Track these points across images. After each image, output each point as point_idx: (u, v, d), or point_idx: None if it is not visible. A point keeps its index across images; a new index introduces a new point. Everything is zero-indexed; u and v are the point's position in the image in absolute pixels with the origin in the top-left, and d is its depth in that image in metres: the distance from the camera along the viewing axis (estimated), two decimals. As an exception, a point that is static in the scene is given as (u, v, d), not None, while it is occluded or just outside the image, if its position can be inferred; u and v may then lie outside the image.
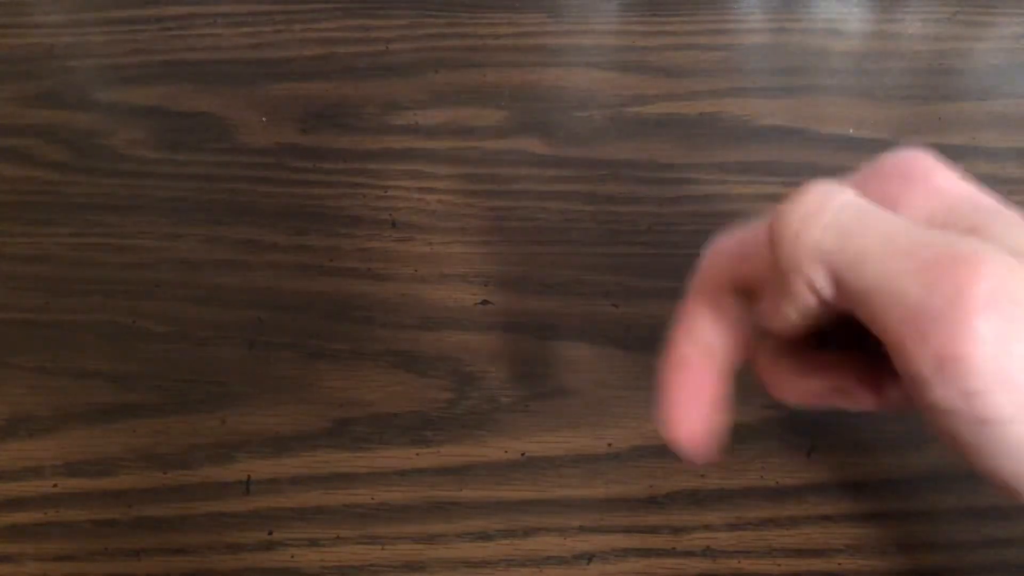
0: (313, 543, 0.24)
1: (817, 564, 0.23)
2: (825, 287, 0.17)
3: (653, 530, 0.24)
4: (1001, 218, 0.17)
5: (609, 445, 0.26)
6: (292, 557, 0.23)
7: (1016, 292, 0.15)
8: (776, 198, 0.20)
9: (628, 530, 0.24)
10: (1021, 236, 0.17)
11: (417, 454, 0.25)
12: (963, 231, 0.17)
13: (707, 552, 0.23)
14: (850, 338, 0.19)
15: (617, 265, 0.30)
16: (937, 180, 0.18)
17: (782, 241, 0.17)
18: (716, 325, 0.20)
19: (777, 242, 0.17)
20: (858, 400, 0.20)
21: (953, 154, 0.19)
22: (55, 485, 0.25)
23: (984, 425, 0.16)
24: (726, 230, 0.20)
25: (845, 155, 0.33)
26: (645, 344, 0.28)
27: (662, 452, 0.25)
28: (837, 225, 0.17)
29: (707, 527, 0.24)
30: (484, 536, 0.24)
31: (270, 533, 0.24)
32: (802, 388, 0.20)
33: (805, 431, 0.26)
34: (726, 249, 0.20)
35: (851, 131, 0.34)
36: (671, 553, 0.23)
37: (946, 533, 0.24)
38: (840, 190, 0.17)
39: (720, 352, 0.20)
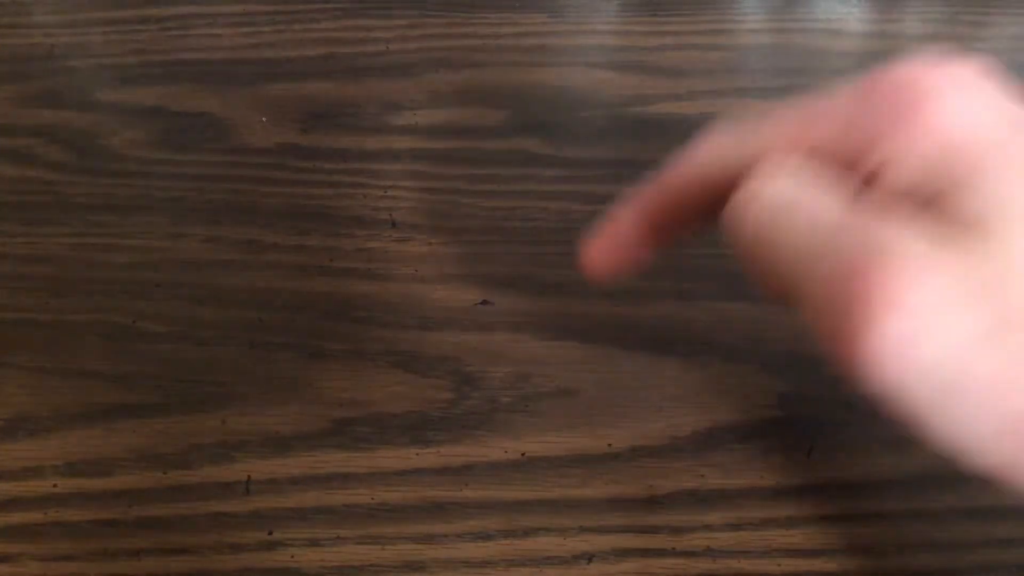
0: (313, 543, 0.24)
1: (817, 564, 0.23)
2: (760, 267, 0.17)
3: (653, 530, 0.24)
4: (985, 176, 0.15)
5: (609, 445, 0.26)
6: (292, 557, 0.23)
7: (919, 296, 0.14)
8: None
9: (628, 530, 0.24)
10: (985, 201, 0.15)
11: (417, 454, 0.25)
12: (930, 194, 0.16)
13: (707, 552, 0.23)
14: None
15: (617, 265, 0.30)
16: (929, 113, 0.16)
17: (730, 228, 0.18)
18: (681, 207, 0.21)
19: (727, 227, 0.18)
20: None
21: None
22: (55, 485, 0.25)
23: (906, 420, 0.16)
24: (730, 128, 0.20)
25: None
26: (645, 344, 0.28)
27: (662, 452, 0.25)
28: (761, 222, 0.17)
29: (707, 527, 0.24)
30: (484, 536, 0.24)
31: (270, 533, 0.24)
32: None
33: (805, 431, 0.26)
34: (716, 158, 0.20)
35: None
36: (671, 553, 0.23)
37: (946, 533, 0.24)
38: (779, 176, 0.17)
39: (665, 226, 0.21)
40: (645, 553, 0.23)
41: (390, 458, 0.25)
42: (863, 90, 0.17)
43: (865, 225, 0.16)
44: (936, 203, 0.15)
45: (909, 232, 0.15)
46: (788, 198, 0.17)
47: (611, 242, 0.22)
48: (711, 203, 0.19)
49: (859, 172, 0.17)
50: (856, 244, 0.15)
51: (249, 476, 0.25)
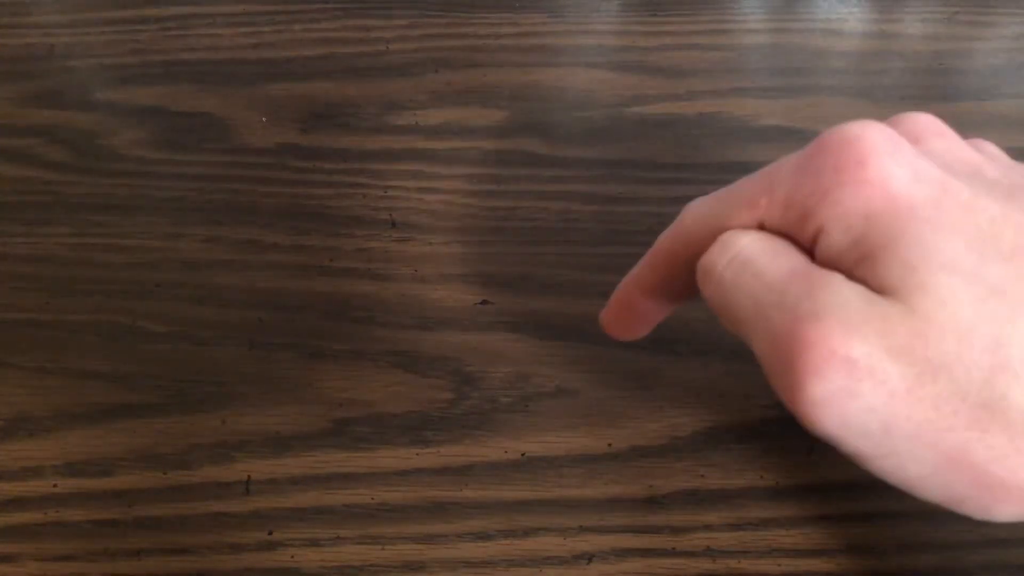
0: (313, 543, 0.24)
1: (817, 564, 0.23)
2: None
3: (653, 530, 0.24)
4: (905, 240, 0.17)
5: (609, 445, 0.26)
6: (292, 557, 0.23)
7: (851, 352, 0.16)
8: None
9: (628, 530, 0.24)
10: (902, 264, 0.16)
11: (417, 454, 0.25)
12: (862, 255, 0.17)
13: (707, 552, 0.23)
14: None
15: (617, 265, 0.30)
16: (867, 173, 0.17)
17: (700, 289, 0.20)
18: (670, 287, 0.22)
19: (698, 272, 0.20)
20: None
21: (953, 154, 0.19)
22: (55, 485, 0.25)
23: (854, 460, 0.18)
24: (704, 203, 0.21)
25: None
26: (645, 344, 0.28)
27: (662, 452, 0.25)
28: (722, 282, 0.19)
29: (707, 527, 0.24)
30: (484, 536, 0.24)
31: (270, 533, 0.24)
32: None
33: (805, 431, 0.26)
34: (695, 229, 0.21)
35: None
36: (671, 553, 0.23)
37: (946, 533, 0.24)
38: (735, 242, 0.19)
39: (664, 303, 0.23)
40: (645, 553, 0.23)
41: (390, 458, 0.25)
42: (802, 161, 0.18)
43: (805, 286, 0.17)
44: (863, 266, 0.17)
45: (842, 295, 0.17)
46: (746, 256, 0.18)
47: (620, 312, 0.24)
48: (695, 270, 0.21)
49: (803, 238, 0.18)
50: (796, 303, 0.17)
51: (249, 476, 0.25)
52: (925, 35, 0.39)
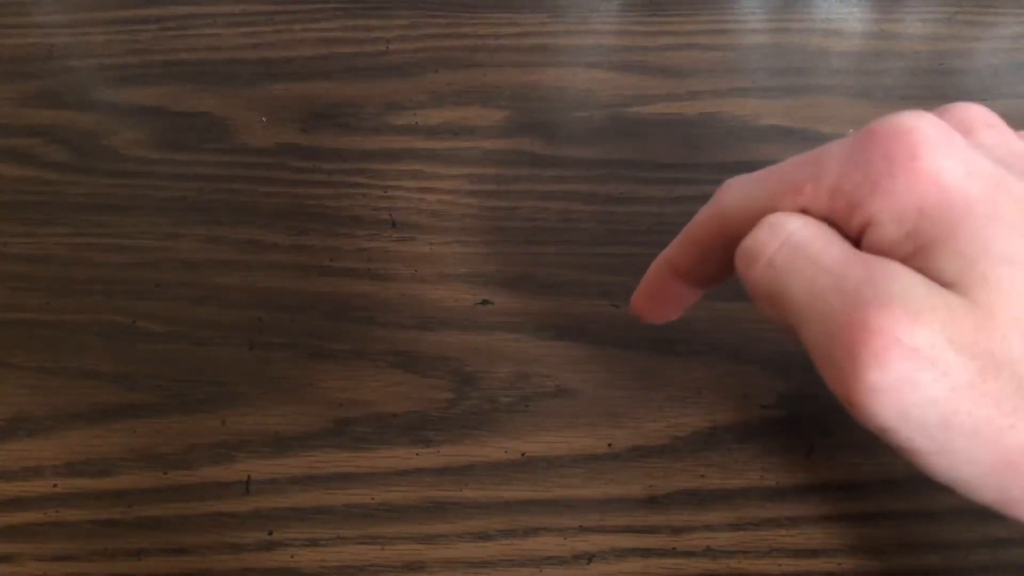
0: (313, 543, 0.24)
1: (817, 564, 0.23)
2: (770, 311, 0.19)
3: (653, 530, 0.24)
4: (961, 234, 0.16)
5: (609, 445, 0.26)
6: (292, 557, 0.23)
7: (915, 341, 0.15)
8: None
9: (628, 530, 0.24)
10: (961, 258, 0.16)
11: (417, 454, 0.25)
12: (916, 248, 0.17)
13: (707, 552, 0.23)
14: None
15: (617, 265, 0.30)
16: (921, 166, 0.17)
17: (740, 272, 0.19)
18: (701, 266, 0.22)
19: (738, 271, 0.19)
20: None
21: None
22: (55, 485, 0.25)
23: (905, 455, 0.17)
24: (745, 179, 0.20)
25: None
26: (645, 344, 0.28)
27: (662, 452, 0.25)
28: (772, 266, 0.18)
29: (707, 527, 0.24)
30: (484, 536, 0.24)
31: (270, 533, 0.24)
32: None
33: (805, 431, 0.26)
34: (733, 211, 0.20)
35: (851, 131, 0.34)
36: (671, 553, 0.23)
37: (946, 533, 0.24)
38: (785, 225, 0.18)
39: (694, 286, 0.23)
40: (645, 553, 0.23)
41: (390, 458, 0.25)
42: (851, 150, 0.18)
43: (866, 272, 0.17)
44: (917, 259, 0.17)
45: (905, 282, 0.16)
46: (798, 240, 0.18)
47: (652, 295, 0.24)
48: (731, 251, 0.20)
49: (849, 228, 0.18)
50: (856, 289, 0.16)
51: (249, 476, 0.25)
52: (925, 35, 0.39)
